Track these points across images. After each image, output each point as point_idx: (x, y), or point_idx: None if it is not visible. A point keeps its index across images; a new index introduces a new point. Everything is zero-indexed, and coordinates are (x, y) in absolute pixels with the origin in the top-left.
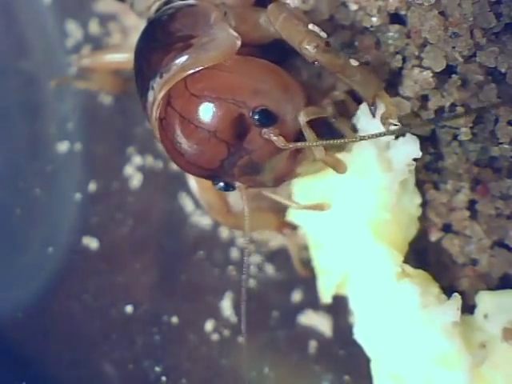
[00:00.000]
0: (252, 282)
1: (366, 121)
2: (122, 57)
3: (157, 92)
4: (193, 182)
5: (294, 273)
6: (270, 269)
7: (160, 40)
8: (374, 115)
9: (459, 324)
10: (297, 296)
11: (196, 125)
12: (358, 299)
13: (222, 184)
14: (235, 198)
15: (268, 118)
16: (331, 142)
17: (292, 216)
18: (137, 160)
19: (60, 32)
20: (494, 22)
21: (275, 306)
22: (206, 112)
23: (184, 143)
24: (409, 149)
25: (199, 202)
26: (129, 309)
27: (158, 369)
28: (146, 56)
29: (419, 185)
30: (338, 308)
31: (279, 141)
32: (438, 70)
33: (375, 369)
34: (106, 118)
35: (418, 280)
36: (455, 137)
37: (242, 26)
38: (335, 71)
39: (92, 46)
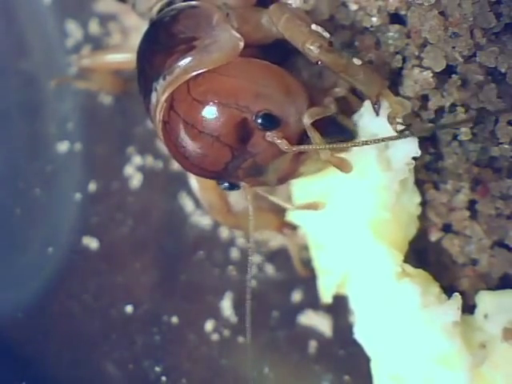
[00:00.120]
0: (252, 282)
1: (369, 119)
2: (122, 57)
3: (160, 94)
4: (194, 181)
5: (294, 273)
6: (269, 269)
7: (162, 42)
8: (377, 114)
9: (459, 324)
10: (297, 296)
11: (199, 129)
12: (358, 299)
13: (226, 184)
14: (235, 198)
15: (271, 121)
16: (335, 145)
17: (292, 216)
18: (137, 160)
19: (60, 32)
20: (493, 22)
21: (275, 306)
22: (209, 117)
23: (188, 147)
24: (408, 148)
25: (200, 202)
26: (129, 309)
27: (157, 369)
28: (149, 58)
29: (419, 185)
30: (338, 308)
31: (283, 144)
32: (438, 69)
33: (375, 368)
34: (106, 118)
35: (418, 280)
36: (455, 137)
37: (244, 27)
38: (338, 71)
39: (92, 46)
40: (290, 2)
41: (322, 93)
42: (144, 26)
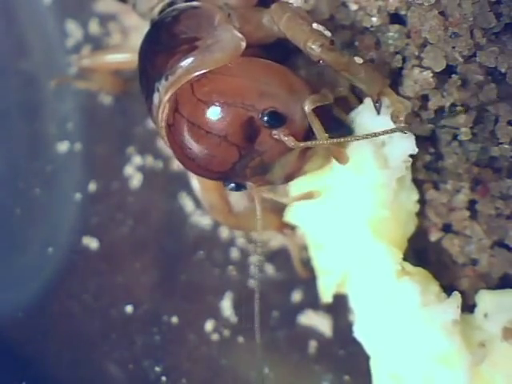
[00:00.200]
0: (252, 282)
1: (367, 117)
2: (122, 57)
3: (162, 94)
4: (195, 182)
5: (294, 273)
6: (269, 269)
7: (164, 42)
8: (378, 112)
9: (459, 322)
10: (297, 296)
11: (206, 130)
12: (358, 297)
13: (233, 185)
14: (236, 199)
15: (277, 119)
16: (340, 140)
17: (290, 216)
18: (137, 160)
19: (60, 32)
20: (494, 22)
21: (275, 306)
22: (215, 117)
23: (194, 148)
24: (405, 145)
25: (201, 202)
26: (129, 309)
27: (157, 369)
28: (151, 58)
29: (419, 185)
30: (338, 308)
31: (289, 141)
32: (438, 69)
33: (375, 367)
34: (106, 118)
35: (418, 278)
36: (455, 137)
37: (245, 27)
38: (340, 69)
39: (92, 46)
40: (291, 1)
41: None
42: (144, 27)
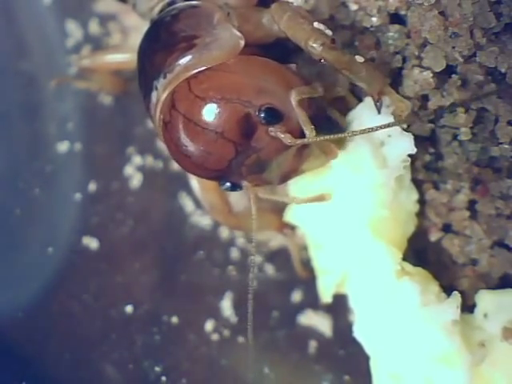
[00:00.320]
0: (250, 281)
1: (369, 116)
2: (122, 57)
3: (160, 92)
4: (194, 182)
5: (294, 273)
6: (269, 269)
7: (163, 40)
8: (379, 111)
9: (459, 322)
10: (297, 296)
11: (202, 126)
12: (358, 297)
13: (228, 184)
14: (236, 199)
15: (274, 115)
16: (335, 136)
17: (289, 216)
18: (137, 160)
19: (60, 32)
20: (494, 22)
21: (275, 306)
22: (212, 113)
23: (191, 146)
24: (403, 145)
25: (200, 203)
26: (129, 309)
27: (157, 369)
28: (150, 57)
29: (419, 185)
30: (338, 308)
31: (286, 138)
32: (438, 69)
33: (375, 367)
34: (106, 118)
35: (417, 278)
36: (455, 137)
37: (244, 26)
38: (341, 68)
39: (92, 46)
40: (291, 0)
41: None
42: (144, 26)
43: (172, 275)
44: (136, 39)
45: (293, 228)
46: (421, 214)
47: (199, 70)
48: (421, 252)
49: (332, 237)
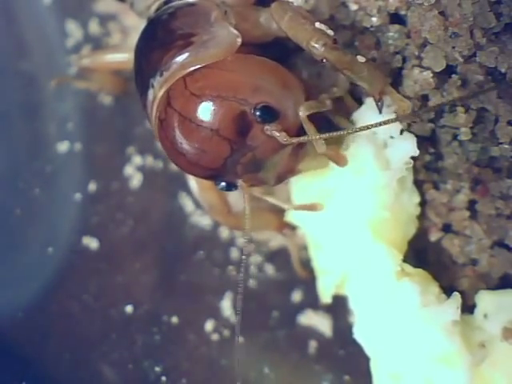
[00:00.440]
0: (252, 282)
1: (371, 116)
2: (122, 57)
3: (157, 90)
4: (193, 182)
5: (294, 273)
6: (269, 269)
7: (160, 38)
8: (380, 111)
9: (459, 323)
10: (297, 296)
11: (198, 124)
12: (358, 298)
13: (223, 184)
14: (235, 199)
15: (270, 113)
16: (333, 134)
17: (290, 216)
18: (137, 160)
19: (60, 32)
20: (494, 22)
21: (275, 306)
22: (208, 110)
23: (186, 143)
24: (406, 147)
25: (199, 203)
26: (129, 309)
27: (157, 369)
28: (146, 54)
29: (419, 185)
30: (338, 308)
31: (282, 136)
32: (438, 69)
33: (375, 368)
34: (106, 118)
35: (417, 279)
36: (455, 137)
37: (242, 25)
38: (343, 68)
39: (92, 45)
40: (291, 0)
41: (320, 91)
42: (143, 26)
43: (172, 275)
44: (136, 39)
45: (293, 228)
46: (421, 214)
47: (196, 67)
48: (421, 252)
49: (332, 237)
